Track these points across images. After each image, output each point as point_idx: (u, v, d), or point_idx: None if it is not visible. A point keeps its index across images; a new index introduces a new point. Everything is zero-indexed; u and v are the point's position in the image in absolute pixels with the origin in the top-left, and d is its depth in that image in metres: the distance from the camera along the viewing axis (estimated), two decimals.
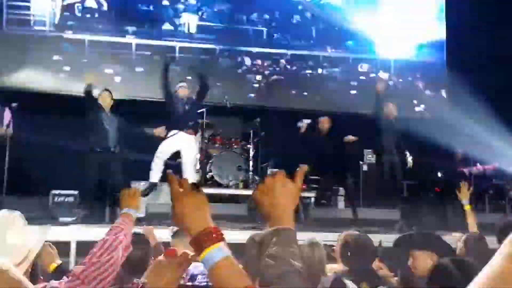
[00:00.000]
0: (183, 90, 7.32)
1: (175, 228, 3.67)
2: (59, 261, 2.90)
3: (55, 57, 8.97)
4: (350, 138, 7.93)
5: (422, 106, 10.74)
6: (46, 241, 2.57)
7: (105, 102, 6.89)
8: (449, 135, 9.52)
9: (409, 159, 7.86)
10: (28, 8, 8.97)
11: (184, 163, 7.20)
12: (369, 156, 9.08)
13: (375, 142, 8.27)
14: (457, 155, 9.15)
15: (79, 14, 9.20)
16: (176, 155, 7.33)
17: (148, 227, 4.43)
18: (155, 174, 7.05)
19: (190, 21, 9.82)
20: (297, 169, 1.45)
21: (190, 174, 7.10)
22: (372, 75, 10.61)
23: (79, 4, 9.19)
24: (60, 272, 2.69)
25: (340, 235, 3.47)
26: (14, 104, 6.96)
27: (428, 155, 9.18)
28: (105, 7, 9.31)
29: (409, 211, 7.82)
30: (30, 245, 1.95)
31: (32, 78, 8.69)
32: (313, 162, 7.70)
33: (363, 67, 10.71)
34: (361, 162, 9.14)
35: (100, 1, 9.28)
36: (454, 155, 9.15)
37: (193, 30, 9.83)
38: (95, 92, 6.98)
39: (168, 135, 7.09)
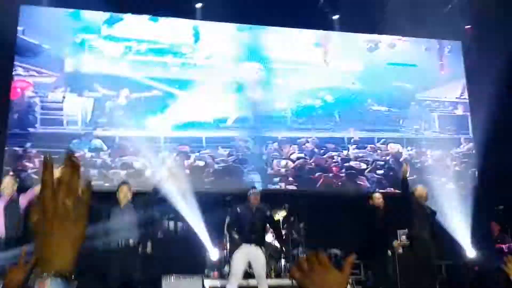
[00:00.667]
0: (255, 197, 7.14)
1: None
2: None
3: (87, 154, 9.24)
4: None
5: (452, 183, 10.60)
6: None
7: (120, 195, 6.78)
8: (483, 211, 9.35)
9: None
10: (61, 108, 9.37)
11: (257, 273, 6.97)
12: (403, 237, 8.88)
13: (406, 222, 8.18)
14: (494, 231, 8.91)
15: (109, 111, 9.55)
16: None
17: None
18: None
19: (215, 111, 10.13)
20: (347, 257, 1.38)
21: (263, 281, 6.95)
22: (405, 153, 10.65)
23: (110, 102, 9.58)
24: None
25: None
26: None
27: (463, 233, 8.98)
28: (132, 103, 9.68)
29: None
30: None
31: None
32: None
33: (392, 147, 10.73)
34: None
35: (127, 97, 9.66)
36: (491, 231, 8.91)
37: (218, 119, 10.09)
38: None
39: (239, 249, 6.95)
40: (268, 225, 7.34)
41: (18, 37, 9.36)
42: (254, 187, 7.44)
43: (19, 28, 9.41)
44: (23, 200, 6.30)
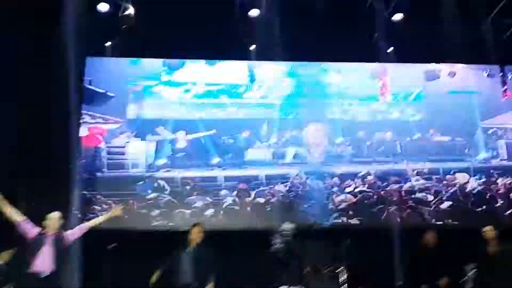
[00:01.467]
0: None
1: None
2: None
3: (150, 195, 9.57)
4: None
5: None
6: None
7: (193, 237, 6.95)
8: None
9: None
10: (124, 153, 9.82)
11: None
12: (470, 274, 8.41)
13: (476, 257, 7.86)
14: None
15: (170, 153, 9.91)
16: None
17: None
18: None
19: (273, 149, 10.24)
20: None
21: None
22: (472, 183, 10.26)
23: (170, 145, 9.94)
24: None
25: None
26: (111, 246, 7.41)
27: None
28: (192, 144, 10.01)
29: None
30: None
31: (130, 217, 9.29)
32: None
33: (458, 177, 10.36)
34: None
35: (187, 139, 9.99)
36: None
37: (277, 156, 10.18)
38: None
39: None
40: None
41: (85, 86, 9.97)
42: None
43: (86, 78, 10.03)
44: (71, 237, 6.45)
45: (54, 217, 6.37)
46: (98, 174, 9.66)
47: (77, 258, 6.95)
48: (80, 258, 7.03)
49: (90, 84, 10.06)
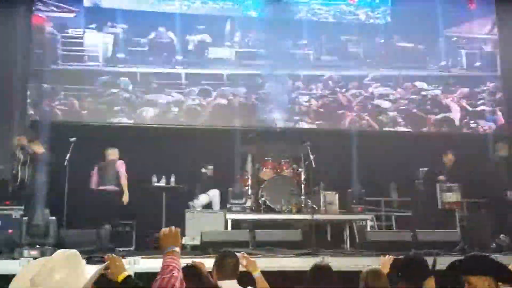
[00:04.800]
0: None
1: None
2: (126, 273, 2.82)
3: (111, 90, 9.25)
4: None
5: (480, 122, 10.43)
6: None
7: None
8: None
9: None
10: (81, 44, 9.32)
11: None
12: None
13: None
14: None
15: (130, 48, 9.48)
16: None
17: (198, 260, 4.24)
18: None
19: (237, 49, 9.97)
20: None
21: None
22: (424, 92, 10.41)
23: (131, 38, 9.48)
24: (129, 282, 2.71)
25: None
26: (72, 139, 7.27)
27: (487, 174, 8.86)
28: (153, 40, 9.61)
29: (469, 231, 7.56)
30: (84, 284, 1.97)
31: (88, 111, 9.04)
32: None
33: (418, 85, 10.48)
34: (416, 182, 8.88)
35: (149, 35, 9.56)
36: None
37: (240, 56, 9.94)
38: None
39: None
40: None
41: None
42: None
43: None
44: None
45: None
46: (53, 66, 9.18)
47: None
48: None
49: None
